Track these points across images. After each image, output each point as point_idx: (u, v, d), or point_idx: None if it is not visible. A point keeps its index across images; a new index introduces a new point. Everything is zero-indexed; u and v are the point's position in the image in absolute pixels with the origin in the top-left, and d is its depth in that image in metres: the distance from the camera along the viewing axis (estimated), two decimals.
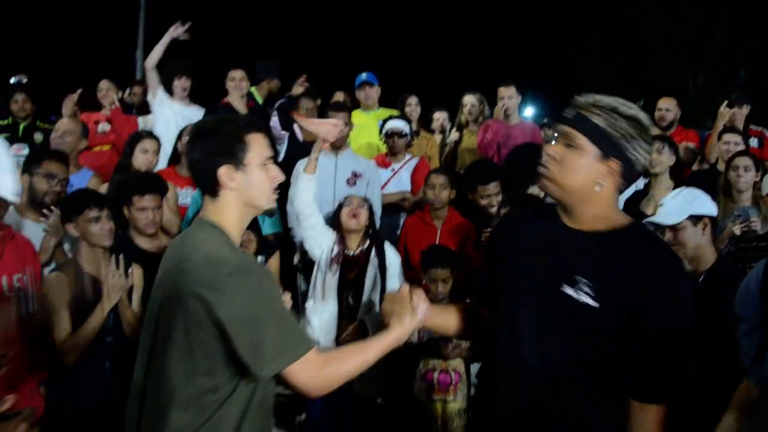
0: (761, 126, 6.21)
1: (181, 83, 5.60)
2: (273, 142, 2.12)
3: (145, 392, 1.90)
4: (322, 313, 3.81)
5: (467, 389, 3.57)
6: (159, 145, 4.61)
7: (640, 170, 1.82)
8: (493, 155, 5.33)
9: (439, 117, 6.47)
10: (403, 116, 5.58)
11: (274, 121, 5.68)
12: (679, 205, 2.93)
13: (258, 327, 1.75)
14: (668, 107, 5.82)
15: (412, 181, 5.05)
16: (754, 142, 5.84)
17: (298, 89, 6.18)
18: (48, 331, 2.97)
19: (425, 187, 4.46)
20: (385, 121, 5.26)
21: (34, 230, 3.52)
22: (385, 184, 4.98)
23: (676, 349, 1.77)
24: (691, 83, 23.30)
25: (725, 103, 5.64)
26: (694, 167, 5.64)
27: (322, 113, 5.27)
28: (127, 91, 6.68)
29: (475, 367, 3.63)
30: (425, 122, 6.39)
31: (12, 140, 5.24)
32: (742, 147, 5.08)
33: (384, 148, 5.38)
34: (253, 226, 3.83)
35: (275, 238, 4.63)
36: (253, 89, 5.93)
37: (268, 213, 3.60)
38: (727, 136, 5.25)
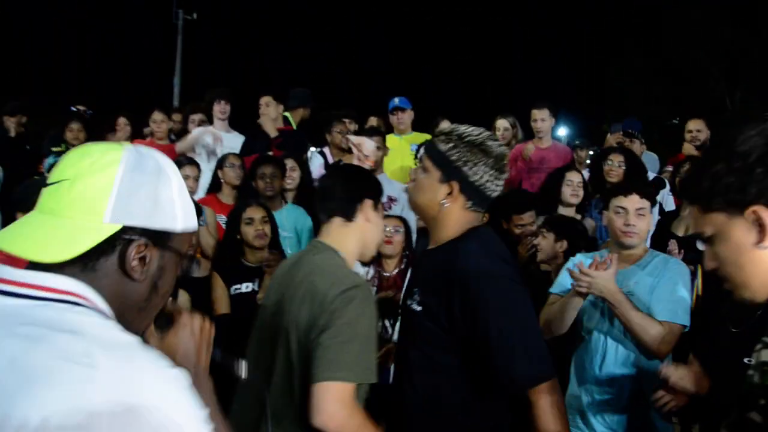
0: None
1: (220, 107, 5.80)
2: None
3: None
4: None
5: None
6: (199, 171, 4.75)
7: (487, 191, 1.96)
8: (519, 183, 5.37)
9: None
10: None
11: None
12: None
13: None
14: (699, 128, 5.84)
15: None
16: None
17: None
18: None
19: None
20: (420, 146, 5.32)
21: None
22: None
23: (497, 347, 1.83)
24: (729, 101, 22.99)
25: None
26: None
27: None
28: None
29: None
30: None
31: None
32: None
33: None
34: (278, 248, 3.93)
35: None
36: (288, 114, 6.06)
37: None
38: None
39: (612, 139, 6.55)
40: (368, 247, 2.22)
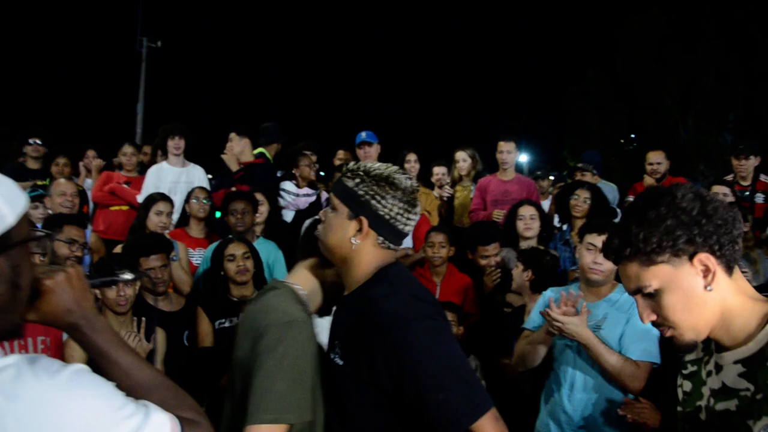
0: None
1: (174, 143, 5.80)
2: None
3: None
4: None
5: None
6: (172, 206, 4.80)
7: (398, 225, 1.87)
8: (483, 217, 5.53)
9: (438, 172, 6.55)
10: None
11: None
12: None
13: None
14: (659, 161, 6.09)
15: (414, 237, 5.20)
16: (759, 198, 5.85)
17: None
18: None
19: (425, 245, 4.65)
20: None
21: None
22: None
23: (431, 392, 1.73)
24: (682, 127, 23.73)
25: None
26: None
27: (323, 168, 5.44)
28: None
29: None
30: (424, 178, 6.57)
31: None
32: (731, 199, 5.25)
33: None
34: (264, 282, 3.97)
35: None
36: (264, 150, 6.14)
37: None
38: (715, 188, 5.47)
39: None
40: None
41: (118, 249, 4.43)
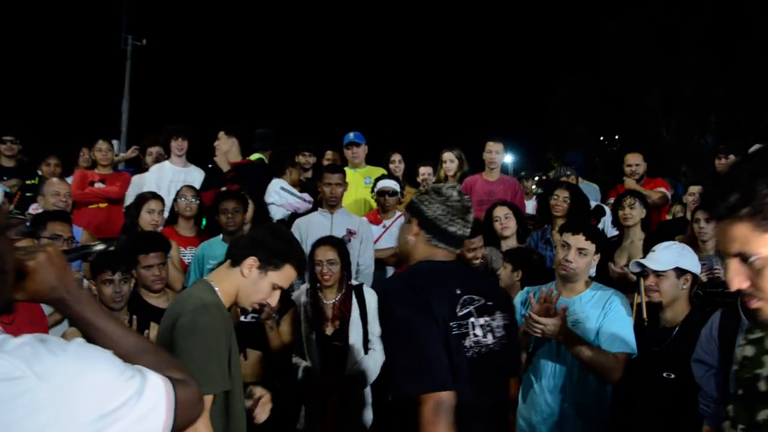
0: None
1: (177, 144, 5.93)
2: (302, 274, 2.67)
3: None
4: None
5: None
6: (164, 205, 4.88)
7: (440, 224, 2.28)
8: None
9: (424, 172, 6.64)
10: (389, 173, 5.90)
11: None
12: (669, 256, 3.11)
13: None
14: (637, 162, 6.25)
15: None
16: None
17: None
18: None
19: None
20: (376, 180, 5.56)
21: None
22: (377, 239, 5.26)
23: (387, 354, 2.21)
24: (665, 129, 24.03)
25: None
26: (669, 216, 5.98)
27: (316, 170, 5.52)
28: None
29: None
30: (410, 177, 6.68)
31: (34, 200, 5.49)
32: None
33: (370, 202, 5.67)
34: None
35: None
36: (261, 155, 6.20)
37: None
38: (692, 188, 5.63)
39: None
40: (240, 298, 2.42)
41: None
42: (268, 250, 2.39)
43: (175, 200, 5.09)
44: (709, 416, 2.62)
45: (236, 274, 2.38)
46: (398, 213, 5.48)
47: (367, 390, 3.92)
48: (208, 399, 2.04)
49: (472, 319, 2.21)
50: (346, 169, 6.02)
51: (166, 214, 5.08)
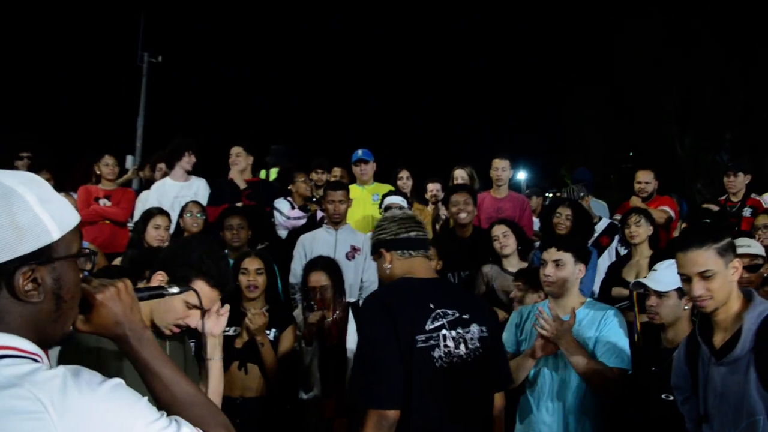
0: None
1: (187, 159, 5.92)
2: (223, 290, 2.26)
3: None
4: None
5: None
6: (170, 220, 4.90)
7: (401, 236, 2.51)
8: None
9: (433, 188, 6.61)
10: (397, 189, 5.90)
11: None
12: (671, 276, 2.97)
13: None
14: (647, 180, 6.20)
15: None
16: (747, 212, 6.00)
17: None
18: None
19: None
20: (384, 196, 5.55)
21: None
22: None
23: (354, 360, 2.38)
24: (678, 145, 23.84)
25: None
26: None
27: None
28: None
29: None
30: (418, 193, 6.67)
31: None
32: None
33: (378, 219, 5.65)
34: (277, 297, 4.04)
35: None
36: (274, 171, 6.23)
37: None
38: (705, 205, 5.61)
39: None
40: (154, 317, 2.19)
41: (117, 261, 4.53)
42: (176, 264, 2.16)
43: (180, 216, 5.11)
44: None
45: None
46: None
47: None
48: None
49: (444, 332, 2.32)
50: (354, 186, 6.06)
51: (172, 230, 5.11)
